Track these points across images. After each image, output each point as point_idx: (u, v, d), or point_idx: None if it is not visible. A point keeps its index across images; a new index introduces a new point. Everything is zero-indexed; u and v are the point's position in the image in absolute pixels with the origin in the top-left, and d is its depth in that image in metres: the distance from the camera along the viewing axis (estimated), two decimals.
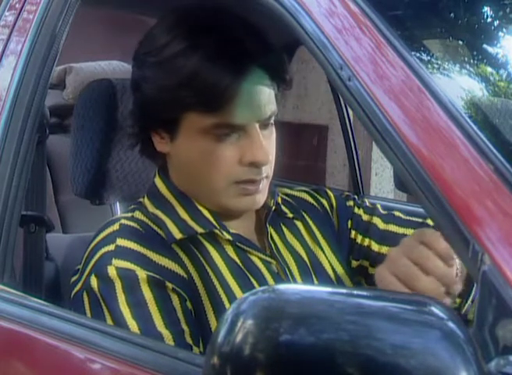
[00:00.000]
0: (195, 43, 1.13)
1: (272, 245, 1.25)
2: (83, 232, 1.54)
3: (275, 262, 1.23)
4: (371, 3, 0.94)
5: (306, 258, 1.29)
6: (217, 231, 1.19)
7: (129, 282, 1.09)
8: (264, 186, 1.19)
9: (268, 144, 1.17)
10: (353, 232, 1.35)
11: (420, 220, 1.35)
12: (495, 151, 0.82)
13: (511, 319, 0.74)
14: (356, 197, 1.41)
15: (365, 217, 1.36)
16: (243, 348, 0.72)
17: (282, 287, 0.79)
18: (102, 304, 1.10)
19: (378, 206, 1.39)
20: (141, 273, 1.09)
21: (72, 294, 1.16)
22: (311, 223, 1.34)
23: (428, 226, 1.32)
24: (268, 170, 1.19)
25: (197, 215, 1.20)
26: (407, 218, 1.36)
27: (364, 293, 0.79)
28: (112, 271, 1.10)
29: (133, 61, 1.22)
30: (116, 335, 1.00)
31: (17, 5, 1.32)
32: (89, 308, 1.12)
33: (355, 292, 0.79)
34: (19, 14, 1.30)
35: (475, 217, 0.79)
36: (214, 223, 1.20)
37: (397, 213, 1.37)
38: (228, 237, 1.19)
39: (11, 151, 1.22)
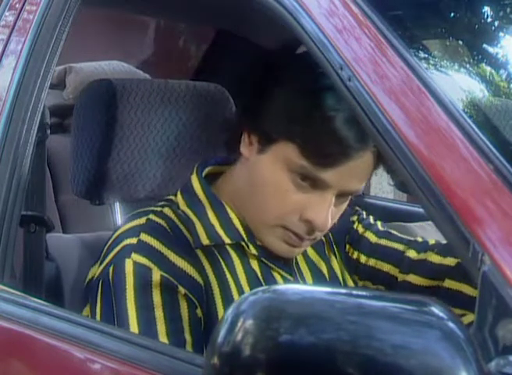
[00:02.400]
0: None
1: (294, 260, 1.25)
2: (83, 232, 1.54)
3: (293, 279, 1.23)
4: (372, 3, 0.94)
5: (325, 272, 1.29)
6: (243, 244, 1.18)
7: (142, 282, 1.08)
8: (307, 244, 1.19)
9: (335, 212, 1.16)
10: (347, 246, 1.36)
11: (418, 240, 1.35)
12: (495, 151, 0.82)
13: (511, 319, 0.74)
14: (362, 213, 1.41)
15: (360, 232, 1.36)
16: (243, 348, 0.72)
17: (282, 287, 0.79)
18: (113, 297, 1.09)
19: (379, 223, 1.39)
20: (156, 274, 1.09)
21: (90, 280, 1.16)
22: (331, 236, 1.34)
23: (421, 243, 1.34)
24: (321, 234, 1.18)
25: (226, 222, 1.19)
26: (403, 236, 1.37)
27: (365, 293, 0.79)
28: (129, 265, 1.09)
29: (279, 69, 1.16)
30: (116, 335, 1.00)
31: (17, 5, 1.32)
32: (100, 298, 1.12)
33: (355, 292, 0.79)
34: (19, 14, 1.31)
35: (475, 217, 0.79)
36: (242, 234, 1.18)
37: (394, 232, 1.38)
38: (254, 252, 1.19)
39: (11, 151, 1.22)
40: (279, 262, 1.22)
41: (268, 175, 1.14)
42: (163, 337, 1.06)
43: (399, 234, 1.37)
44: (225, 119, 1.30)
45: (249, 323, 0.73)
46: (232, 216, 1.19)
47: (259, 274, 1.19)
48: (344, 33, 0.93)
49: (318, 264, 1.29)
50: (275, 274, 1.21)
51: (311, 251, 1.30)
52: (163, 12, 1.97)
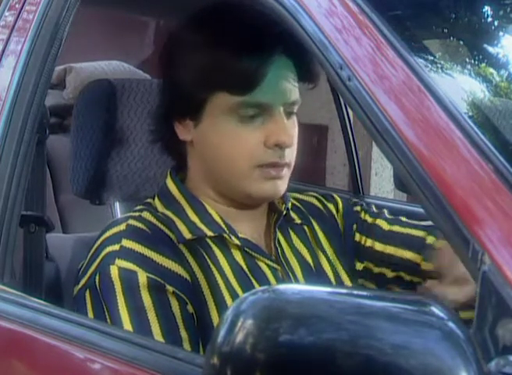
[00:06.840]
0: (230, 31, 1.16)
1: (279, 250, 1.25)
2: (83, 232, 1.54)
3: (281, 268, 1.23)
4: (371, 3, 0.94)
5: (311, 263, 1.29)
6: (226, 235, 1.19)
7: (130, 285, 1.09)
8: (285, 173, 1.20)
9: (292, 130, 1.19)
10: (357, 235, 1.36)
11: (427, 224, 1.35)
12: (495, 151, 0.82)
13: (511, 318, 0.74)
14: (364, 203, 1.42)
15: (370, 220, 1.37)
16: (243, 348, 0.72)
17: (282, 287, 0.79)
18: (103, 304, 1.10)
19: (385, 211, 1.40)
20: (142, 276, 1.09)
21: (76, 291, 1.16)
22: (317, 228, 1.35)
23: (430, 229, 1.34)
24: (290, 157, 1.20)
25: (206, 218, 1.20)
26: (414, 222, 1.37)
27: (365, 293, 0.79)
28: (114, 271, 1.10)
29: (169, 44, 1.24)
30: (116, 335, 1.00)
31: (17, 5, 1.32)
32: (91, 307, 1.12)
33: (355, 292, 0.79)
34: (19, 14, 1.30)
35: (475, 217, 0.79)
36: (223, 226, 1.20)
37: (404, 218, 1.39)
38: (236, 242, 1.19)
39: (11, 151, 1.22)
40: (263, 252, 1.22)
41: (217, 135, 1.18)
42: (159, 338, 1.06)
43: (409, 221, 1.38)
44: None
45: (249, 323, 0.73)
46: (211, 211, 1.21)
47: (244, 266, 1.19)
48: (344, 33, 0.93)
49: (304, 253, 1.30)
50: (261, 264, 1.21)
51: (296, 241, 1.30)
52: (163, 12, 1.97)
